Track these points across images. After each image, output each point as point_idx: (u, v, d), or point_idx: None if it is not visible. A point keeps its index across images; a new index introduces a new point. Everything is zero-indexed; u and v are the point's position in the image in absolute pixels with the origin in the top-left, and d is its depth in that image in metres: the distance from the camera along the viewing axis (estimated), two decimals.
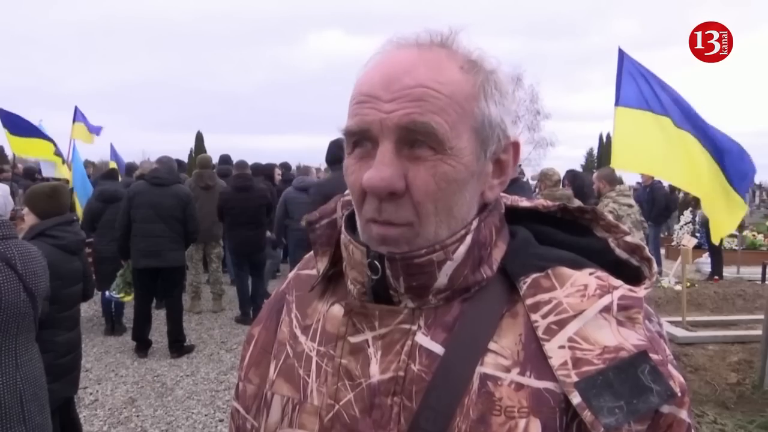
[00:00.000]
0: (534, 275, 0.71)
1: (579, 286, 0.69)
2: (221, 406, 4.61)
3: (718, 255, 10.07)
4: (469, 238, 0.71)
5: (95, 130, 9.99)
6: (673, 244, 11.18)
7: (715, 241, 5.69)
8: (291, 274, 0.90)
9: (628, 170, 6.65)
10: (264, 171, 8.80)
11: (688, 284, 7.31)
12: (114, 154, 10.79)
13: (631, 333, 0.67)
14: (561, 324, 0.67)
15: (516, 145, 0.75)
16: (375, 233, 0.69)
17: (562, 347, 0.66)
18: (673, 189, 11.48)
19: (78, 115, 9.39)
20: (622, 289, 0.69)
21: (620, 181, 6.31)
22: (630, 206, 5.95)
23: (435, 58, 0.69)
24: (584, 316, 0.67)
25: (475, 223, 0.71)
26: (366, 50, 0.74)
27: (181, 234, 5.74)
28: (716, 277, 9.69)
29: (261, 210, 6.85)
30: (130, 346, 5.88)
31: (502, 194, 0.80)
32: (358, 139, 0.70)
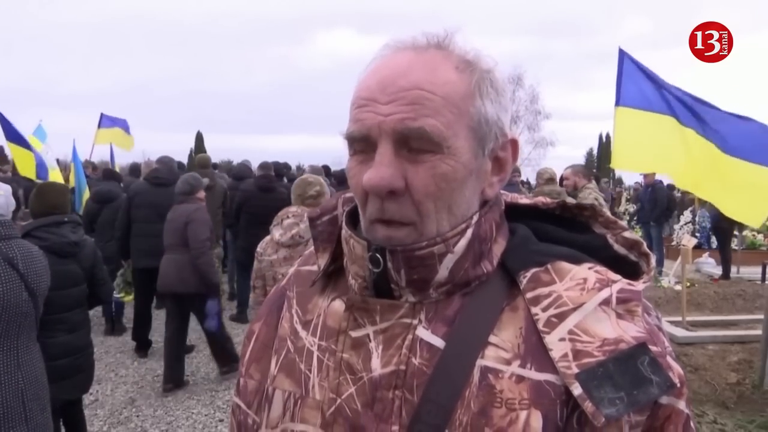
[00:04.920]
0: (534, 270, 0.72)
1: (578, 280, 0.70)
2: (221, 406, 4.61)
3: (727, 257, 9.96)
4: (469, 232, 0.71)
5: (123, 125, 10.00)
6: (673, 244, 11.18)
7: (756, 224, 5.55)
8: (291, 270, 0.90)
9: (628, 170, 6.71)
10: (277, 171, 8.75)
11: (688, 284, 7.32)
12: (111, 156, 10.80)
13: (630, 325, 0.67)
14: (561, 317, 0.68)
15: (514, 143, 0.76)
16: (381, 235, 0.70)
17: (562, 339, 0.67)
18: (672, 188, 11.45)
19: (104, 121, 9.41)
20: (620, 282, 0.70)
21: (595, 177, 6.60)
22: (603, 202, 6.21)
23: (430, 59, 0.70)
24: (584, 308, 0.68)
25: (475, 218, 0.72)
26: (371, 50, 0.75)
27: None
28: (716, 278, 9.67)
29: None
30: (130, 346, 5.88)
31: (502, 191, 0.80)
32: (359, 143, 0.71)
